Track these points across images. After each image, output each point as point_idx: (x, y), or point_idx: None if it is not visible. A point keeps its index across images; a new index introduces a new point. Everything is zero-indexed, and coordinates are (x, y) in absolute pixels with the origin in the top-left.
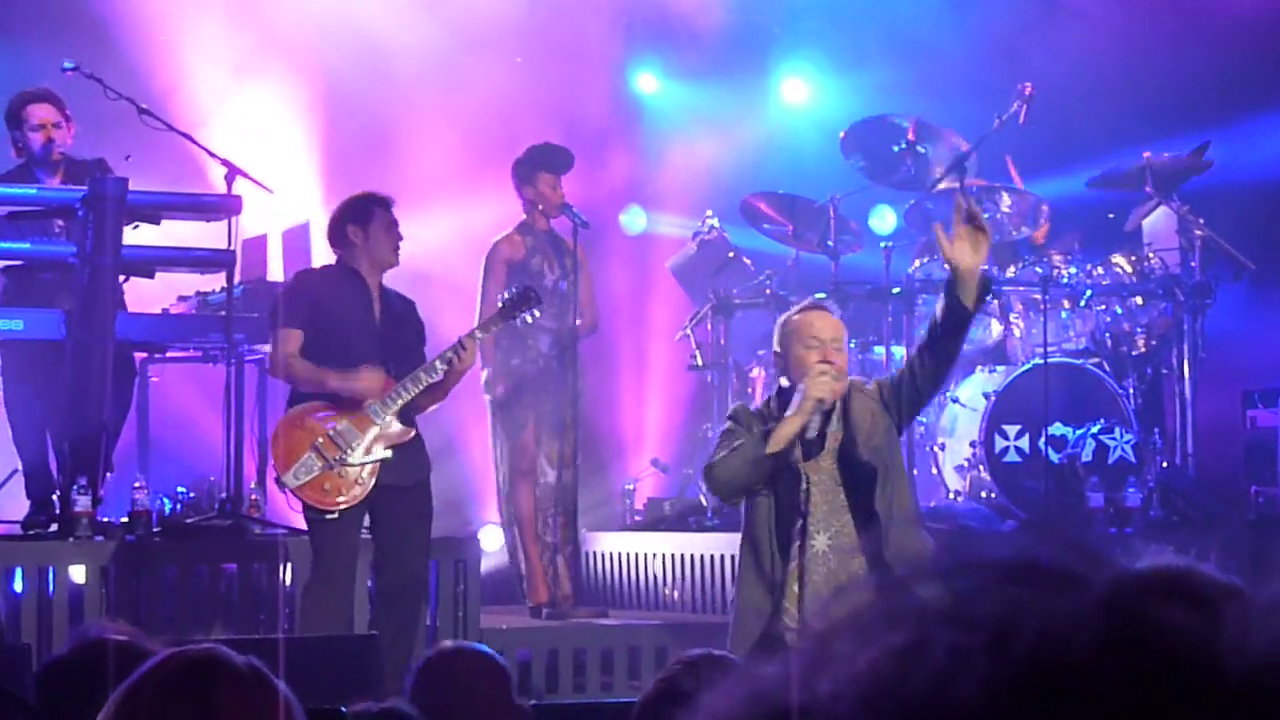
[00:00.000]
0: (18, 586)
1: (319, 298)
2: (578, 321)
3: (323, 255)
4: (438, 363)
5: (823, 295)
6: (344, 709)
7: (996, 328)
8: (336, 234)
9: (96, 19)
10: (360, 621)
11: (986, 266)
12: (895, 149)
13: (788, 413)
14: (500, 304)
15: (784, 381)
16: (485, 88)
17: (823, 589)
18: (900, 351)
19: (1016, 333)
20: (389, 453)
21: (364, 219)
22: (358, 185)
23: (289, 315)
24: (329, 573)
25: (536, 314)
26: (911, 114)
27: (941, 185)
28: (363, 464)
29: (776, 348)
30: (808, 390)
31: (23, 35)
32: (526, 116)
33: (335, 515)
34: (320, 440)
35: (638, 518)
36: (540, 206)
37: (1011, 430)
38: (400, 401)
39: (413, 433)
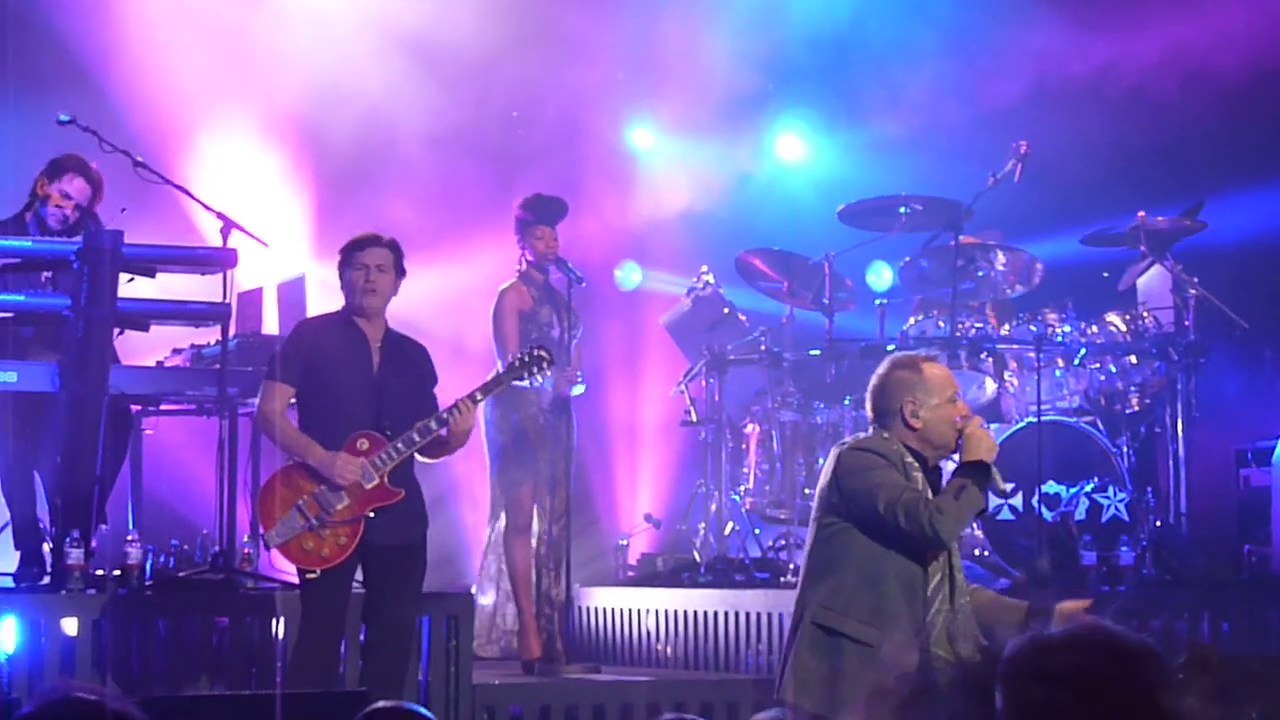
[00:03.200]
0: (9, 639)
1: (314, 351)
2: (578, 375)
3: (318, 309)
4: (432, 423)
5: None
6: None
7: (990, 385)
8: (340, 279)
9: (88, 71)
10: (351, 675)
11: None
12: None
13: (977, 457)
14: (510, 363)
15: (917, 424)
16: (481, 142)
17: (966, 628)
18: None
19: (1011, 390)
20: (371, 514)
21: (342, 265)
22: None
23: (282, 369)
24: (316, 629)
25: (547, 373)
26: (904, 191)
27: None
28: (343, 524)
29: (899, 395)
30: (987, 443)
31: (17, 86)
32: (522, 170)
33: (315, 575)
34: (304, 500)
35: (630, 573)
36: (535, 258)
37: (1006, 487)
38: (390, 464)
39: (401, 494)
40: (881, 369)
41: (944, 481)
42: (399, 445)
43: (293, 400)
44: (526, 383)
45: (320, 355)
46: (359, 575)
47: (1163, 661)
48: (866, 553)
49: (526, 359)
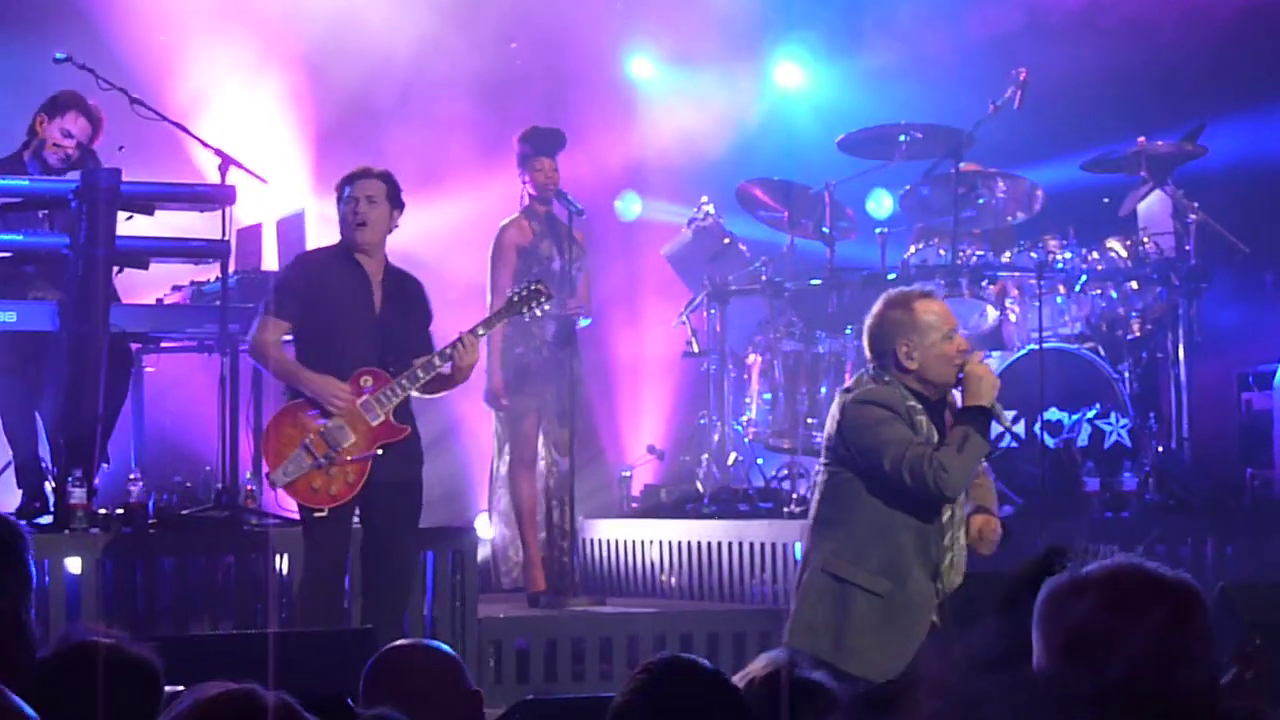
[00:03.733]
0: None
1: (314, 288)
2: (579, 308)
3: (318, 245)
4: (436, 359)
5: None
6: (350, 701)
7: (992, 313)
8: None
9: (84, 9)
10: (353, 612)
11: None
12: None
13: (978, 401)
14: (508, 298)
15: (912, 365)
16: (479, 73)
17: (960, 559)
18: None
19: (1012, 318)
20: (379, 451)
21: (338, 199)
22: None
23: (279, 305)
24: (321, 567)
25: (546, 308)
26: (904, 119)
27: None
28: (351, 462)
29: (893, 337)
30: (989, 381)
31: (11, 26)
32: (520, 102)
33: (324, 514)
34: (310, 438)
35: (634, 505)
36: (536, 191)
37: (1008, 415)
38: (395, 399)
39: (407, 430)
40: (875, 308)
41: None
42: (403, 381)
43: (288, 335)
44: (527, 316)
45: (321, 291)
46: (358, 512)
47: (1203, 597)
48: (877, 504)
49: (525, 293)
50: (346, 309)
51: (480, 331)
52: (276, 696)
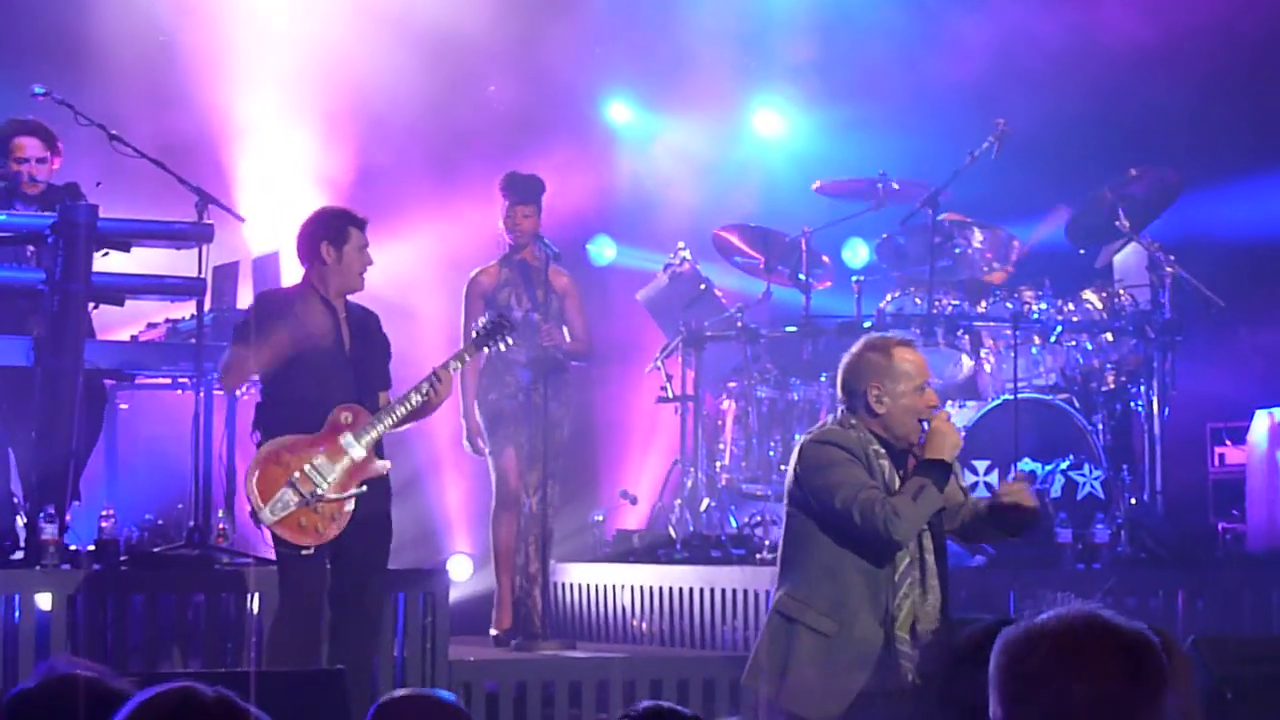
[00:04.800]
0: None
1: (286, 324)
2: (565, 346)
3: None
4: (414, 395)
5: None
6: None
7: (967, 363)
8: (307, 249)
9: (63, 42)
10: (323, 653)
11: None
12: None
13: (939, 455)
14: (474, 334)
15: (880, 410)
16: (457, 116)
17: (933, 617)
18: None
19: (987, 368)
20: (364, 488)
21: (339, 238)
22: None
23: (245, 336)
24: (298, 606)
25: (509, 342)
26: (881, 169)
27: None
28: (337, 499)
29: (866, 378)
30: (952, 439)
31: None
32: (499, 145)
33: (310, 551)
34: (296, 475)
35: (606, 549)
36: (512, 238)
37: (981, 465)
38: (374, 434)
39: (389, 466)
40: (854, 348)
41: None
42: (383, 417)
43: (255, 377)
44: (491, 350)
45: (293, 330)
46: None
47: (1159, 650)
48: (828, 544)
49: (489, 327)
50: (319, 346)
51: (453, 365)
52: (215, 691)
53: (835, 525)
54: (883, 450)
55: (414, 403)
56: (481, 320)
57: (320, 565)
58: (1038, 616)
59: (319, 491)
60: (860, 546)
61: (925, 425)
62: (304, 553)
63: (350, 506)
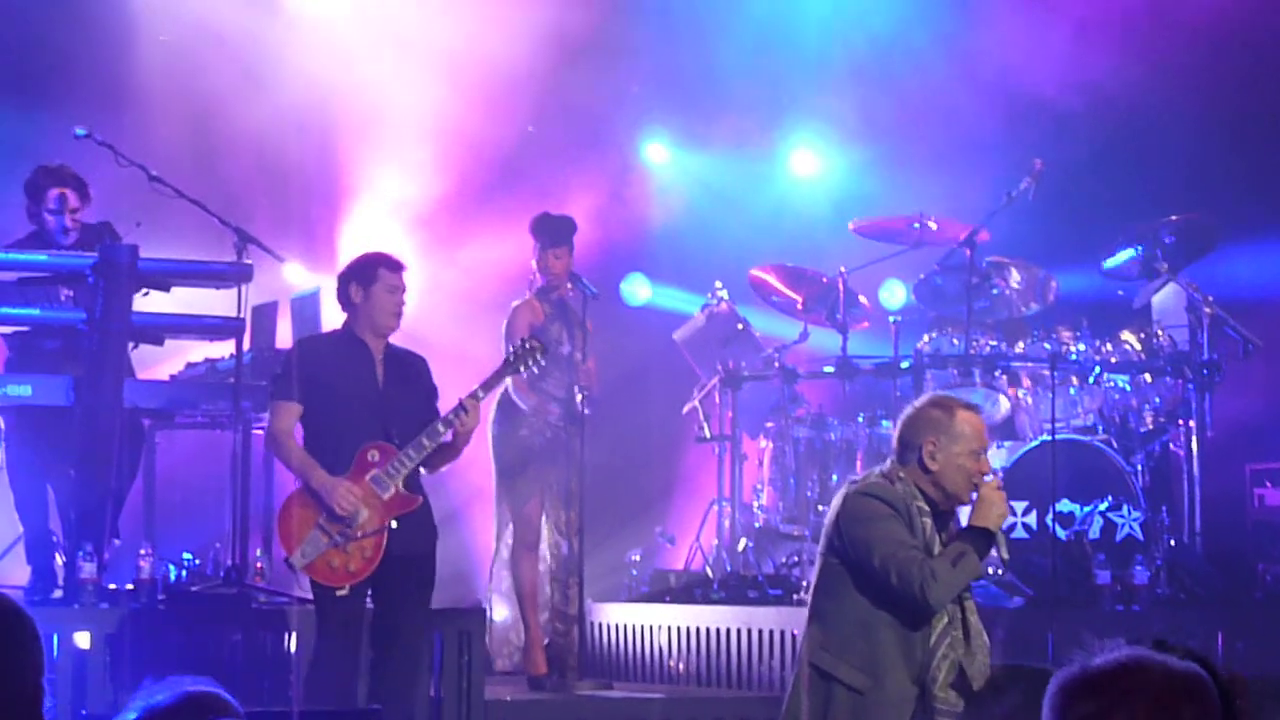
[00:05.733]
0: None
1: (318, 368)
2: (586, 388)
3: (333, 322)
4: (440, 426)
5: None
6: None
7: (1005, 403)
8: (341, 293)
9: (105, 84)
10: (361, 690)
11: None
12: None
13: (984, 523)
14: (505, 358)
15: (933, 466)
16: (497, 154)
17: (984, 675)
18: None
19: (1025, 408)
20: (394, 524)
21: (367, 280)
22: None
23: (286, 388)
24: (335, 644)
25: (542, 364)
26: (918, 209)
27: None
28: (366, 537)
29: (924, 433)
30: (999, 509)
31: (36, 97)
32: (537, 183)
33: (345, 591)
34: (323, 517)
35: (643, 589)
36: (545, 279)
37: (1019, 506)
38: (403, 471)
39: (419, 500)
40: (918, 401)
41: (955, 524)
42: (409, 452)
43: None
44: (524, 372)
45: (324, 372)
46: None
47: (1213, 689)
48: (862, 599)
49: (521, 351)
50: (350, 386)
51: (480, 394)
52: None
53: (871, 580)
54: (926, 508)
55: (440, 433)
56: (513, 345)
57: (359, 604)
58: (1089, 658)
59: (347, 531)
60: (895, 605)
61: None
62: (338, 593)
63: (382, 543)
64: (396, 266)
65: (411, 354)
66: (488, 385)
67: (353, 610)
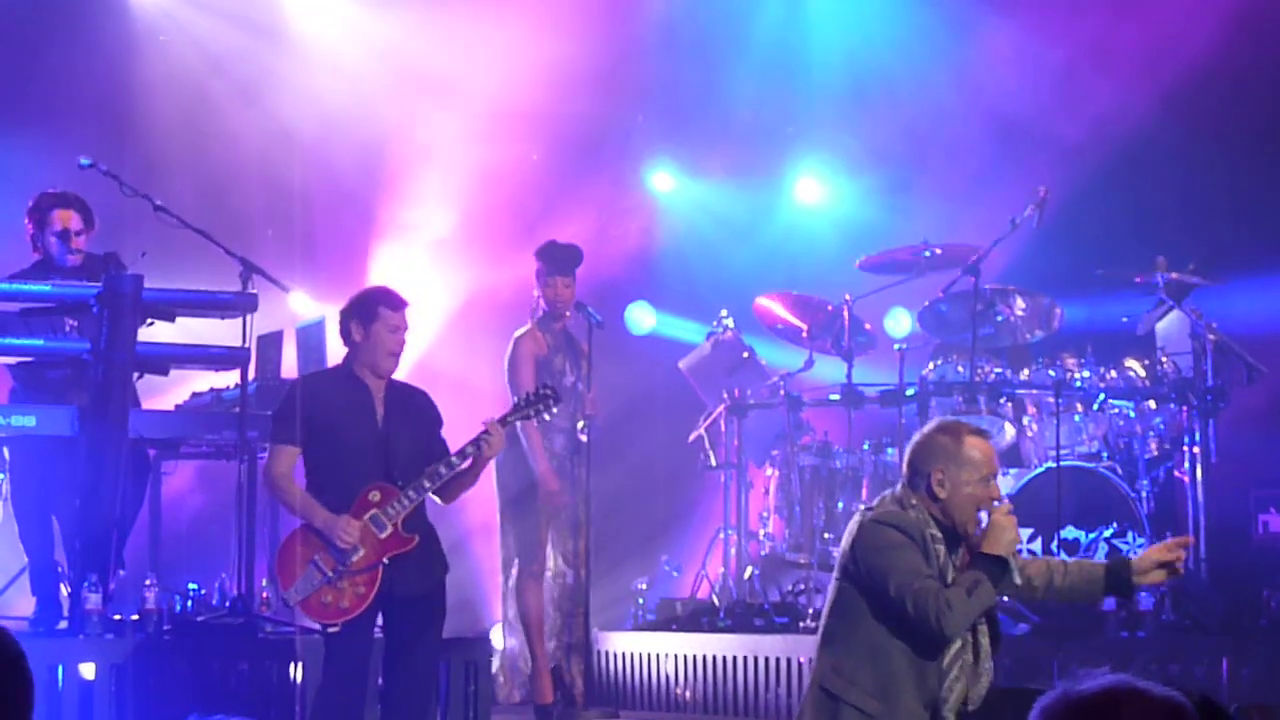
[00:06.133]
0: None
1: (318, 409)
2: (590, 416)
3: (338, 352)
4: (441, 468)
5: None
6: None
7: (1010, 430)
8: (343, 329)
9: (110, 115)
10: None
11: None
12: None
13: (995, 550)
14: (517, 401)
15: (942, 494)
16: (501, 182)
17: (983, 697)
18: None
19: (1030, 435)
20: (386, 561)
21: (368, 318)
22: (369, 281)
23: (285, 431)
24: (338, 681)
25: (555, 412)
26: (923, 236)
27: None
28: (359, 574)
29: (933, 460)
30: (1010, 535)
31: (40, 127)
32: (542, 211)
33: (337, 629)
34: (319, 555)
35: (649, 617)
36: (549, 307)
37: (1024, 533)
38: (402, 511)
39: (415, 540)
40: (926, 428)
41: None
42: (410, 493)
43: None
44: (535, 418)
45: (323, 412)
46: (380, 621)
47: (1194, 716)
48: (875, 625)
49: (536, 396)
50: (349, 425)
51: (507, 420)
52: None
53: (886, 609)
54: (939, 535)
55: (442, 474)
56: (530, 391)
57: (361, 639)
58: (1073, 684)
59: (340, 569)
60: (909, 634)
61: (985, 516)
62: (329, 629)
63: (376, 581)
64: (398, 305)
65: (413, 389)
66: (504, 421)
67: (354, 646)
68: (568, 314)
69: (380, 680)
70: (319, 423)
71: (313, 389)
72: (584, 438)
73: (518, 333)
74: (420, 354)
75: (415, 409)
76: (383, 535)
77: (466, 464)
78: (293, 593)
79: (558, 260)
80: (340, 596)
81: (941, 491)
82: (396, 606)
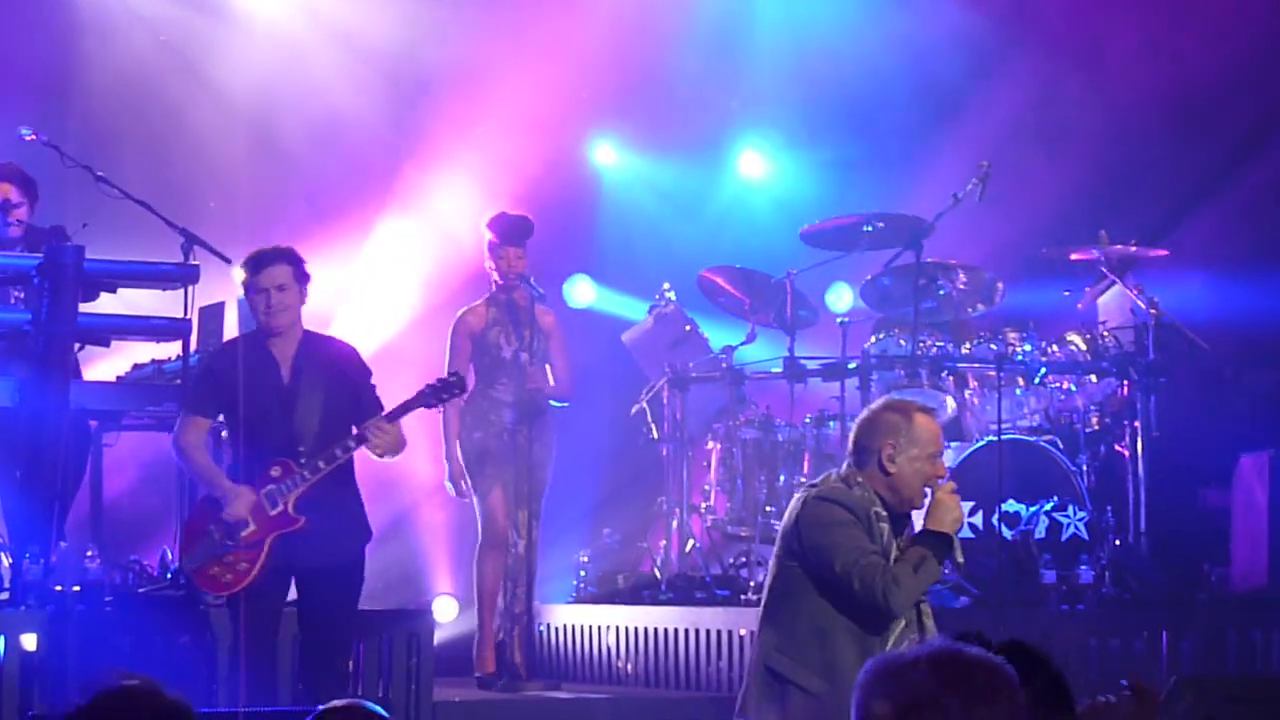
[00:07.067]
0: None
1: (224, 377)
2: (550, 386)
3: None
4: (337, 450)
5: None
6: None
7: (951, 404)
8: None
9: (50, 82)
10: (286, 698)
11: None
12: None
13: (940, 528)
14: (420, 390)
15: (892, 469)
16: (444, 156)
17: None
18: None
19: (971, 409)
20: (271, 538)
21: (245, 285)
22: (310, 256)
23: (195, 401)
24: (243, 646)
25: (460, 404)
26: (866, 209)
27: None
28: (246, 550)
29: (882, 436)
30: (954, 513)
31: None
32: (486, 186)
33: (220, 601)
34: (214, 525)
35: (591, 590)
36: (501, 278)
37: (965, 507)
38: (296, 489)
39: (300, 521)
40: (874, 405)
41: (910, 529)
42: (304, 473)
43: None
44: (435, 407)
45: (230, 381)
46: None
47: (1012, 681)
48: (820, 604)
49: (438, 384)
50: (253, 391)
51: (384, 424)
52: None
53: (831, 586)
54: (884, 513)
55: (338, 456)
56: (437, 379)
57: (260, 606)
58: (900, 652)
59: (229, 543)
60: (855, 611)
61: (929, 492)
62: (212, 600)
63: (259, 558)
64: (255, 267)
65: (330, 342)
66: (392, 417)
67: (257, 611)
68: (517, 287)
69: (297, 657)
70: (226, 392)
71: (220, 360)
72: (535, 403)
73: (461, 310)
74: (367, 335)
75: (327, 366)
76: (272, 512)
77: (343, 458)
78: (186, 560)
79: (509, 231)
80: (225, 570)
81: (892, 466)
82: (304, 580)
